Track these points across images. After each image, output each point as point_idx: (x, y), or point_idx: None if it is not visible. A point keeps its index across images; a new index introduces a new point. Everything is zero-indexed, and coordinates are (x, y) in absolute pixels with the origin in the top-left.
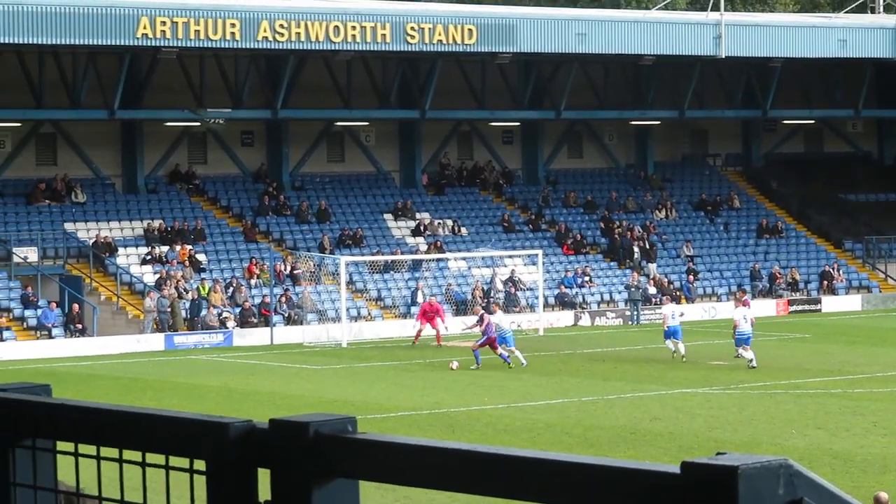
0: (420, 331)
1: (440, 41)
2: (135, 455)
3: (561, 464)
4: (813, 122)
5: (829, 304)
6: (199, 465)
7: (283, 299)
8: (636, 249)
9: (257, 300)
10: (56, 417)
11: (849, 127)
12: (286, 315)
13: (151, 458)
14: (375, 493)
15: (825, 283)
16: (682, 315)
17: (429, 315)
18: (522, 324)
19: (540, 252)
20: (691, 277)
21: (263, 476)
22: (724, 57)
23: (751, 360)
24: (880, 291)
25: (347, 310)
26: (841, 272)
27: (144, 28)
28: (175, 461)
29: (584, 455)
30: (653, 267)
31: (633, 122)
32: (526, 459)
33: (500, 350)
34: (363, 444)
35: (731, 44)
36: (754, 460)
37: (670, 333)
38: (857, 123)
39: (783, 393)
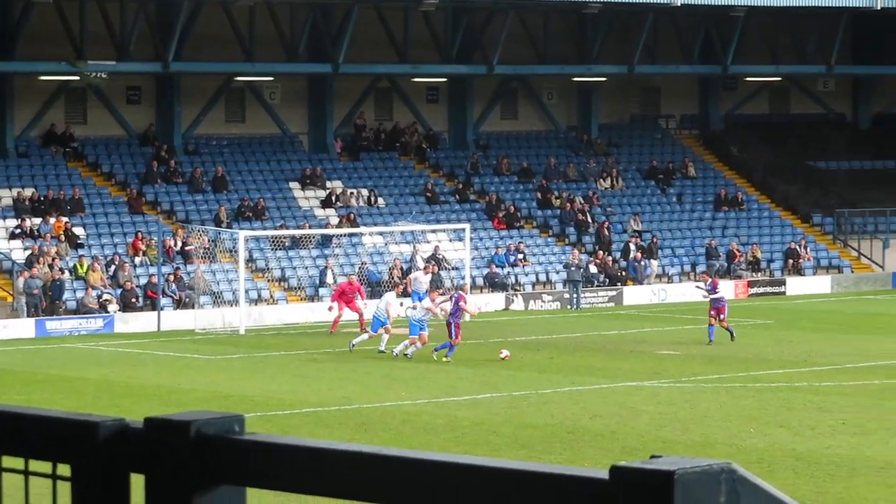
0: (339, 316)
1: None
2: None
3: (474, 469)
4: (779, 79)
5: (795, 285)
6: (65, 469)
7: (173, 279)
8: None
9: (143, 280)
10: None
11: (820, 85)
12: (176, 297)
13: (9, 461)
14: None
15: (790, 262)
16: None
17: (348, 297)
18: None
19: (467, 226)
20: (639, 255)
21: (138, 482)
22: (679, 4)
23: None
24: (852, 272)
25: (246, 291)
26: (808, 250)
27: None
28: (36, 465)
29: (512, 458)
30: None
31: (576, 79)
32: (435, 464)
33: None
34: (251, 446)
35: None
36: (693, 464)
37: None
38: (830, 82)
39: (741, 387)
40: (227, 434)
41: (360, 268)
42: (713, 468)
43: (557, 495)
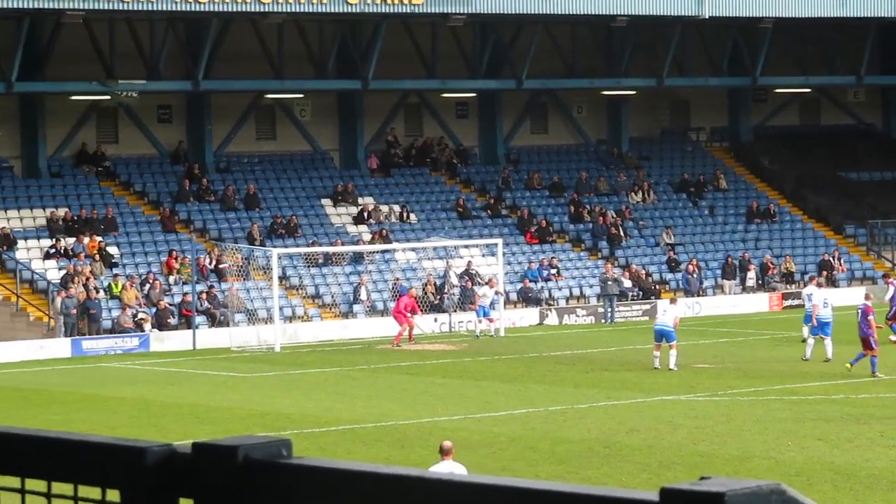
0: (412, 327)
1: (385, 1)
2: (39, 485)
3: (522, 492)
4: (809, 90)
5: (830, 297)
6: (113, 495)
7: (207, 297)
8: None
9: (177, 299)
10: None
11: (850, 96)
12: (210, 316)
13: (58, 487)
14: None
15: (824, 273)
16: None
17: (410, 308)
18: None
19: (500, 241)
20: (691, 268)
21: None
22: (707, 17)
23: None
24: (885, 283)
25: (280, 309)
26: (842, 261)
27: None
28: (85, 491)
29: (549, 474)
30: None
31: (605, 93)
32: (484, 487)
33: None
34: (300, 470)
35: (716, 2)
36: (742, 486)
37: (819, 328)
38: (860, 92)
39: (777, 399)
40: (274, 458)
41: (393, 284)
42: (762, 489)
43: None
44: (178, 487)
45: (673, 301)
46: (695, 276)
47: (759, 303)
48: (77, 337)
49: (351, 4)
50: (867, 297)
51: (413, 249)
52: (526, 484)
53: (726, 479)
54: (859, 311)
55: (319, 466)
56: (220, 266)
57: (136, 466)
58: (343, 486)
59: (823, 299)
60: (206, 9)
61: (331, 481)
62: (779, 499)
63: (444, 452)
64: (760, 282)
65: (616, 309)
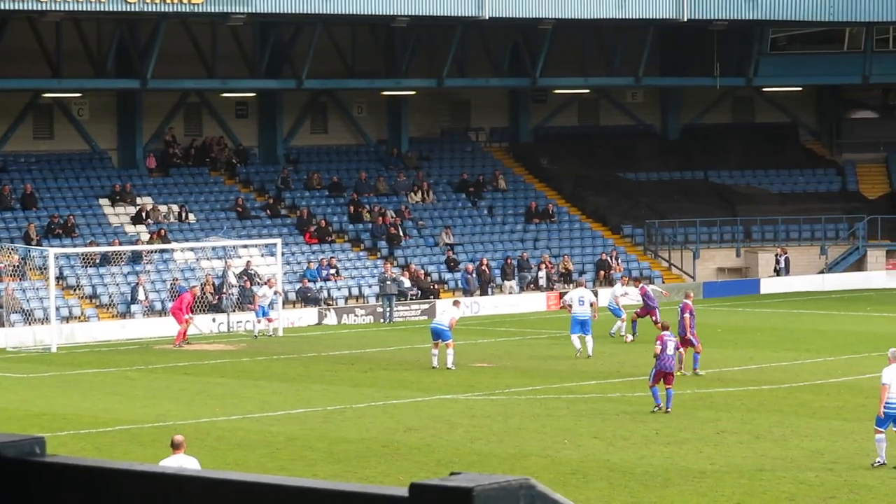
0: (188, 325)
1: (164, 0)
2: None
3: (278, 488)
4: (588, 91)
5: (606, 296)
6: None
7: None
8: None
9: None
10: None
11: (629, 97)
12: None
13: None
14: None
15: (602, 273)
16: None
17: (190, 306)
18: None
19: (279, 241)
20: (471, 267)
21: None
22: (487, 18)
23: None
24: (663, 282)
25: (57, 309)
26: (619, 261)
27: None
28: None
29: (327, 473)
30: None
31: (386, 93)
32: (239, 484)
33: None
34: (52, 468)
35: (496, 3)
36: (491, 481)
37: (577, 325)
38: (638, 93)
39: (555, 398)
40: (27, 457)
41: (171, 284)
42: (511, 484)
43: None
44: None
45: (456, 303)
46: (473, 275)
47: (537, 302)
48: None
49: (130, 3)
50: (687, 296)
51: (192, 249)
52: (279, 481)
53: (476, 475)
54: (679, 309)
55: (71, 464)
56: None
57: None
58: (95, 484)
59: (579, 297)
60: None
61: (83, 479)
62: (528, 493)
63: (175, 447)
64: (543, 282)
65: (395, 309)
